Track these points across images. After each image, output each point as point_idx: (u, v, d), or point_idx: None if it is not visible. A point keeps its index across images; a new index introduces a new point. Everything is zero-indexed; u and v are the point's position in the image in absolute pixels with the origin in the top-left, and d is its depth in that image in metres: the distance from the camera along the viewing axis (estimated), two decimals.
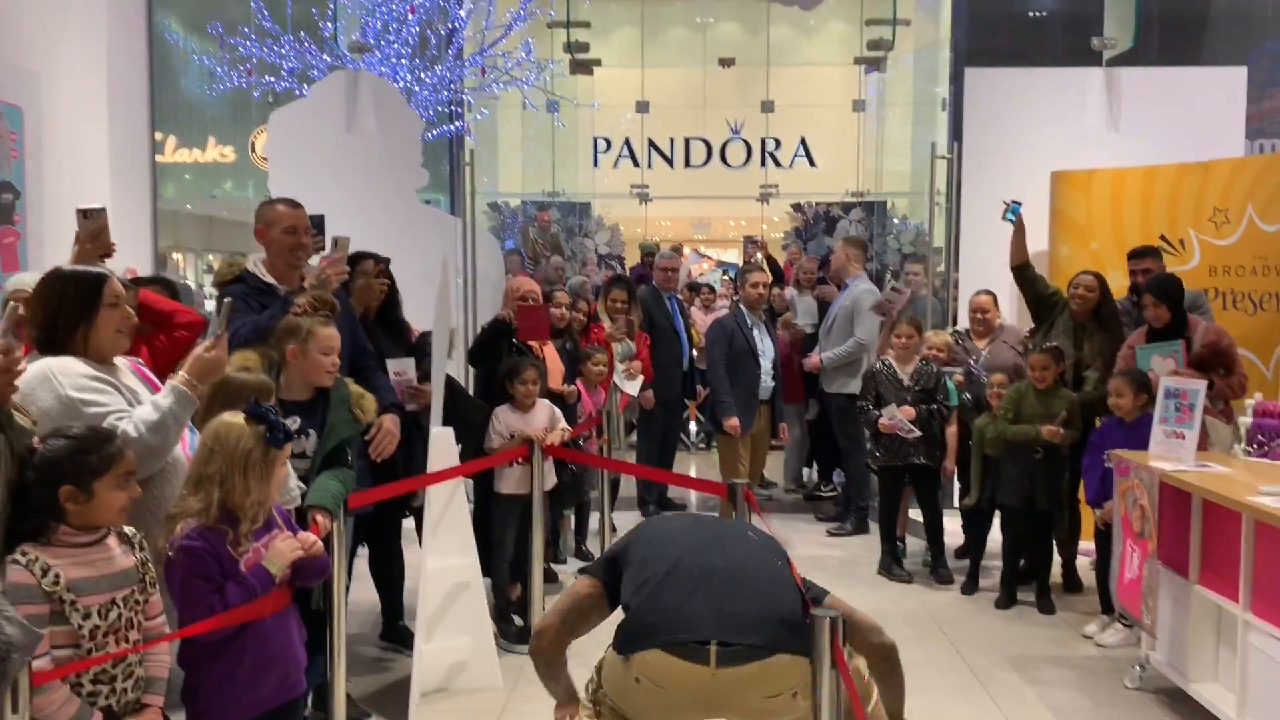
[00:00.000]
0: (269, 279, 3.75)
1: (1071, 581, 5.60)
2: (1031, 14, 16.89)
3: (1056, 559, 5.57)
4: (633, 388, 6.48)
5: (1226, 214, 6.04)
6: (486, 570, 4.67)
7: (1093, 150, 7.00)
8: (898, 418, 5.57)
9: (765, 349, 6.14)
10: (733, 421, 5.89)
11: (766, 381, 6.13)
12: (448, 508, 4.28)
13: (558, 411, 4.93)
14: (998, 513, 5.52)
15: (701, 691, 2.43)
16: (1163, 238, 6.29)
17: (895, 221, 16.20)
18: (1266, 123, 9.85)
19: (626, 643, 2.54)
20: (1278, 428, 4.00)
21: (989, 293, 6.27)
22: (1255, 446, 4.07)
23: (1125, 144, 7.13)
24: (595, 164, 17.20)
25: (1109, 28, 7.65)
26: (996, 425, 5.29)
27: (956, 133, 7.46)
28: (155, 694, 2.41)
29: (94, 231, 3.23)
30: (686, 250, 15.33)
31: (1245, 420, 4.12)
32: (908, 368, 5.80)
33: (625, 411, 6.74)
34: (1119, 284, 6.26)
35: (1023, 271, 5.78)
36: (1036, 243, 6.93)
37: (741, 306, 6.19)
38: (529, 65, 14.99)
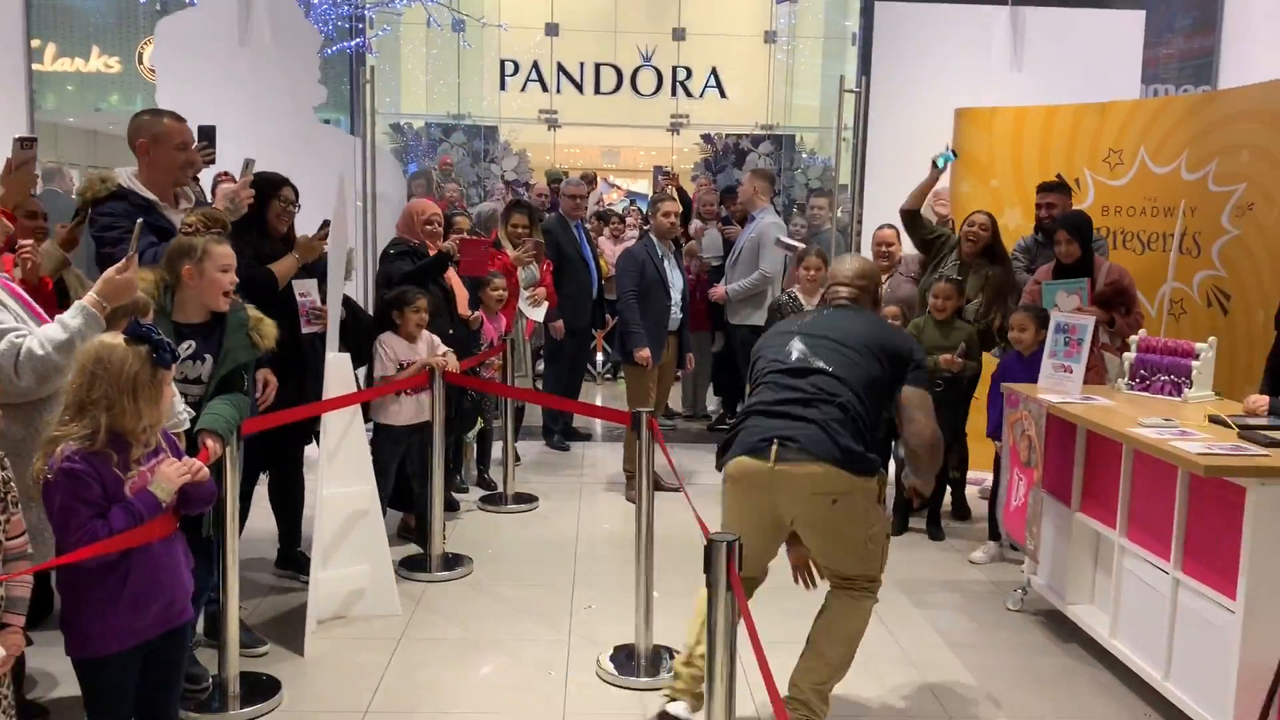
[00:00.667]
0: (148, 194, 3.58)
1: (960, 509, 5.80)
2: None
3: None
4: (538, 314, 6.43)
5: (1120, 155, 6.20)
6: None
7: (997, 89, 7.11)
8: None
9: (675, 280, 6.14)
10: (644, 353, 5.90)
11: (675, 313, 6.14)
12: (345, 434, 4.19)
13: (436, 339, 4.86)
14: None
15: (761, 479, 3.04)
16: (1059, 176, 6.42)
17: (803, 156, 16.28)
18: (1161, 68, 10.10)
19: (720, 456, 3.24)
20: (1159, 362, 4.16)
21: (892, 226, 6.35)
22: (1137, 381, 4.23)
23: (1028, 83, 7.25)
24: (502, 87, 16.81)
25: None
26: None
27: (865, 67, 7.47)
28: (16, 614, 2.33)
29: (23, 161, 3.18)
30: (600, 180, 15.15)
31: (1129, 355, 4.27)
32: (814, 300, 5.86)
33: (532, 338, 6.69)
34: (1017, 222, 6.42)
35: (913, 218, 5.85)
36: (940, 179, 7.06)
37: (652, 236, 6.15)
38: None
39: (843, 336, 3.19)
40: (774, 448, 3.01)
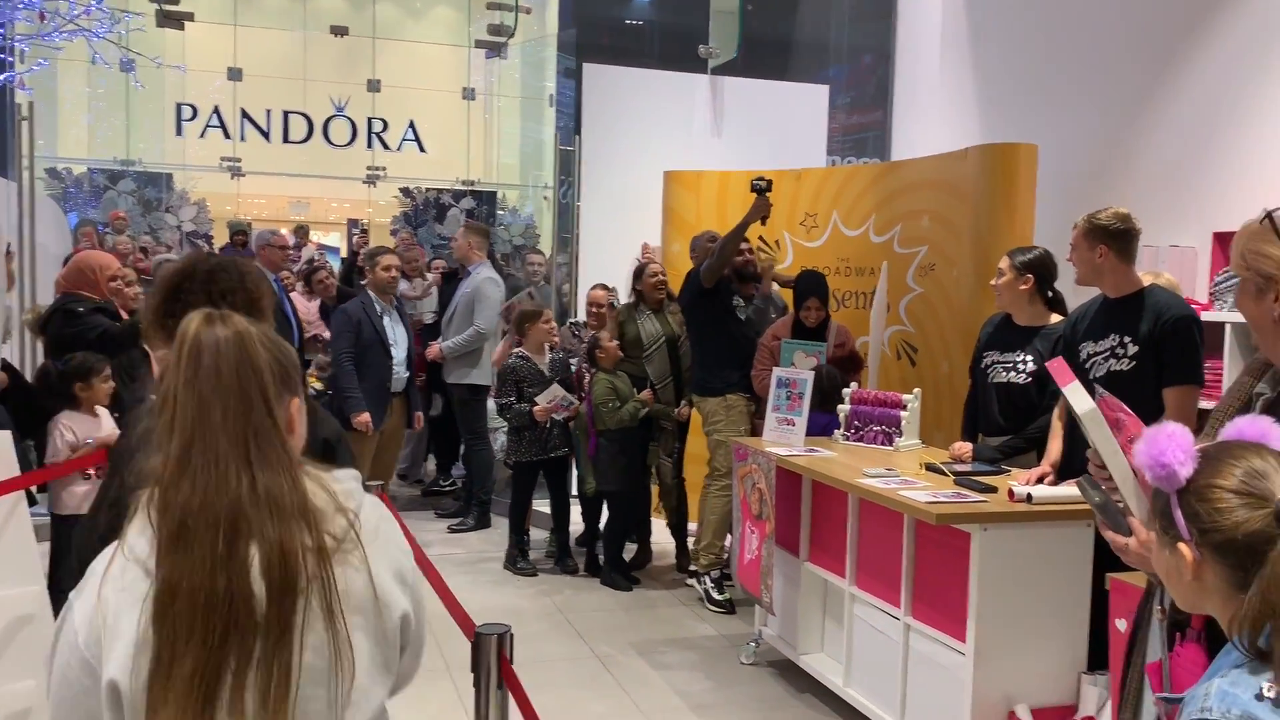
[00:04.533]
0: None
1: (684, 561, 5.85)
2: (636, 22, 17.72)
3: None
4: None
5: (815, 218, 6.60)
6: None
7: (700, 153, 7.39)
8: (558, 397, 5.54)
9: (397, 338, 5.81)
10: (363, 417, 5.51)
11: (400, 372, 5.80)
12: (5, 526, 3.54)
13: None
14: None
15: None
16: (761, 239, 6.74)
17: (504, 213, 16.28)
18: (834, 141, 10.98)
19: None
20: (870, 413, 4.38)
21: (605, 287, 6.38)
22: (852, 431, 4.43)
23: (727, 149, 7.59)
24: (179, 132, 15.63)
25: (714, 38, 8.10)
26: (604, 413, 5.41)
27: (577, 126, 7.54)
28: None
29: None
30: (314, 236, 14.32)
31: (844, 408, 4.47)
32: (544, 359, 5.75)
33: None
34: None
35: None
36: (651, 238, 7.22)
37: (370, 292, 5.80)
38: (99, 15, 13.22)
39: None
40: None
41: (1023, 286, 4.00)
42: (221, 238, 13.71)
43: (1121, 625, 2.56)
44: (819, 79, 8.31)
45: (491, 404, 6.54)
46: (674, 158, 7.17)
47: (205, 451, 1.28)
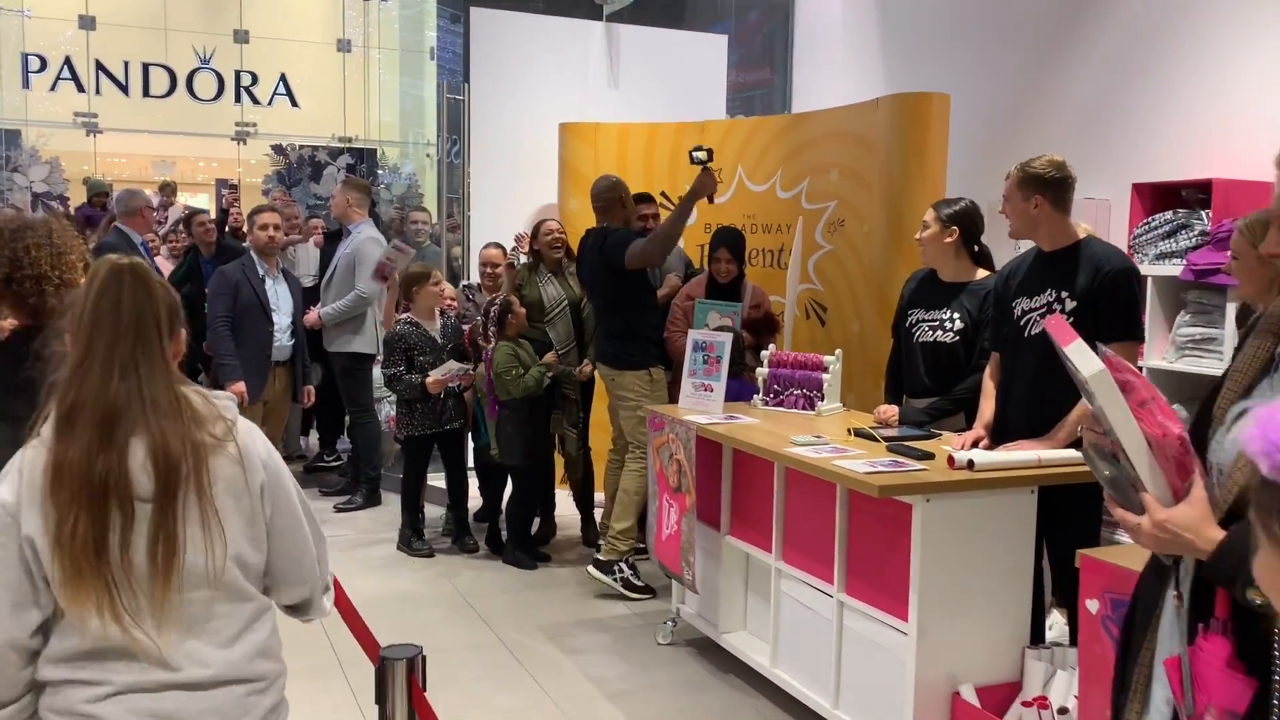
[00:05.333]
0: None
1: (591, 534, 5.56)
2: None
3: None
4: None
5: (719, 174, 6.30)
6: None
7: (596, 104, 7.02)
8: (454, 370, 5.15)
9: (281, 303, 5.33)
10: (238, 387, 5.03)
11: (283, 340, 5.33)
12: None
13: None
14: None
15: None
16: (663, 194, 6.44)
17: (384, 171, 15.57)
18: (733, 96, 10.68)
19: None
20: (790, 376, 4.14)
21: (498, 245, 6.00)
22: (771, 396, 4.18)
23: (624, 100, 7.24)
24: (26, 85, 14.41)
25: None
26: (507, 382, 5.05)
27: (466, 75, 7.08)
28: None
29: None
30: (181, 198, 13.36)
31: (763, 371, 4.22)
32: (435, 324, 5.35)
33: None
34: None
35: None
36: (547, 194, 6.84)
37: (253, 254, 5.30)
38: None
39: None
40: None
41: (948, 240, 3.79)
42: (78, 198, 12.73)
43: (1094, 606, 2.37)
44: (717, 29, 7.98)
45: (378, 373, 6.11)
46: (569, 109, 6.79)
47: (100, 361, 1.60)
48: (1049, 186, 3.28)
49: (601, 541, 4.90)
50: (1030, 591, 3.12)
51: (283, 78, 15.55)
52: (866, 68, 6.80)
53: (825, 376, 4.06)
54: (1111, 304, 3.18)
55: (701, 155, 4.74)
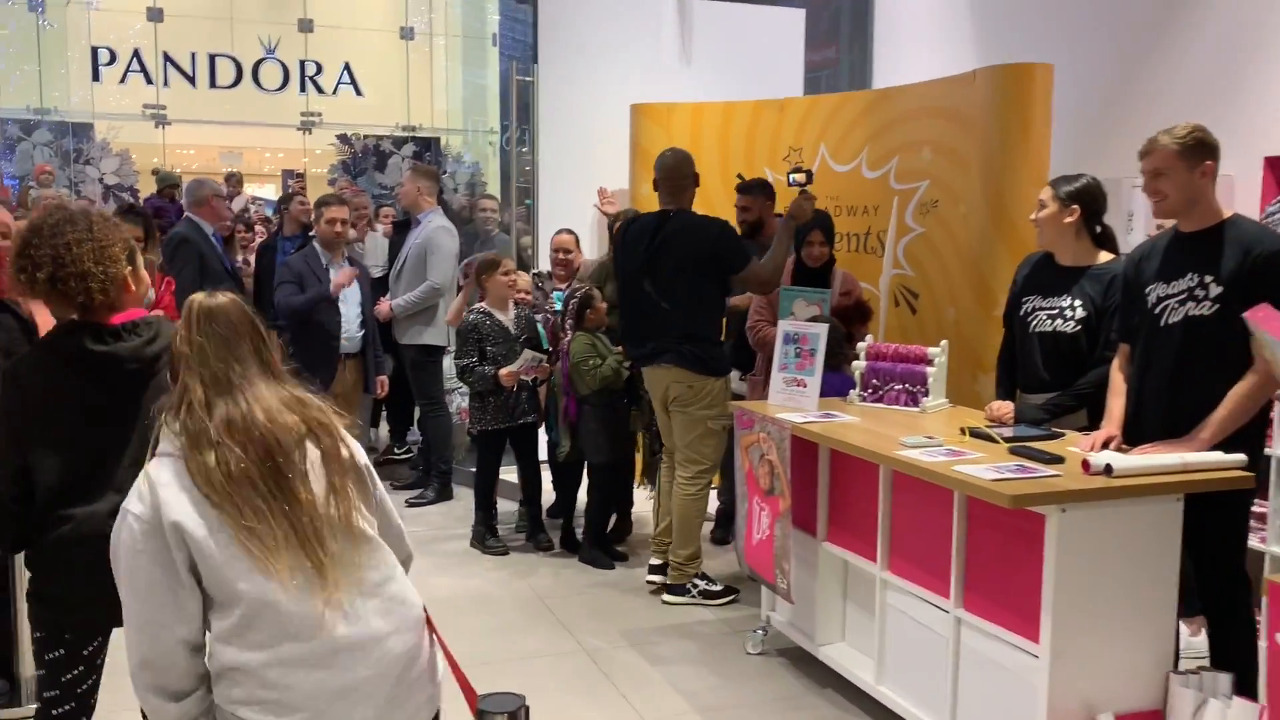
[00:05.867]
0: None
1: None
2: None
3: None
4: None
5: (800, 153, 6.02)
6: None
7: (668, 84, 6.75)
8: (529, 360, 4.93)
9: (348, 293, 5.19)
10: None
11: (352, 331, 5.18)
12: None
13: None
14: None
15: None
16: (740, 176, 6.16)
17: (449, 159, 15.47)
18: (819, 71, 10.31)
19: None
20: (891, 370, 3.85)
21: (570, 231, 5.77)
22: (870, 391, 3.90)
23: (698, 79, 6.96)
24: (96, 78, 14.53)
25: None
26: (584, 372, 4.83)
27: (534, 58, 6.86)
28: None
29: None
30: (248, 189, 13.41)
31: (859, 365, 3.93)
32: (509, 314, 5.14)
33: None
34: None
35: None
36: (617, 178, 6.60)
37: (316, 246, 5.15)
38: None
39: None
40: None
41: (1068, 220, 3.47)
42: (148, 190, 12.81)
43: None
44: (793, 2, 7.66)
45: (448, 365, 5.93)
46: (641, 90, 6.53)
47: (233, 376, 1.82)
48: (1213, 153, 2.98)
49: (652, 556, 4.68)
50: (1175, 610, 2.81)
51: (347, 67, 15.51)
52: (957, 39, 6.44)
53: (930, 370, 3.77)
54: (1266, 290, 2.85)
55: (800, 178, 4.46)
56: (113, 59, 14.55)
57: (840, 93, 6.71)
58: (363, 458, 1.95)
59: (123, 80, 14.62)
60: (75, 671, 2.27)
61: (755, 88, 6.53)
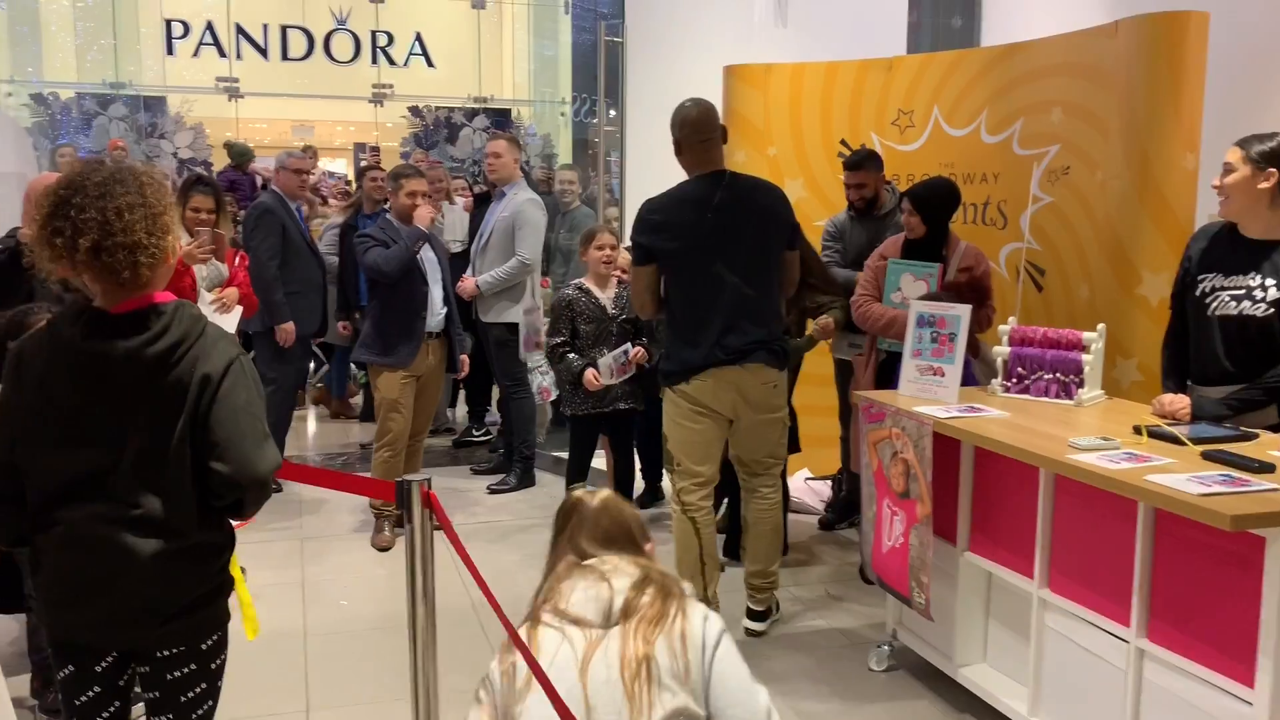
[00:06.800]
0: None
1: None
2: None
3: None
4: (227, 323, 4.90)
5: (911, 116, 5.55)
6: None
7: (762, 45, 6.32)
8: (614, 363, 4.55)
9: (430, 269, 4.88)
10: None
11: (436, 308, 4.88)
12: None
13: None
14: None
15: None
16: (843, 142, 5.72)
17: (520, 130, 15.15)
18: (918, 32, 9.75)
19: None
20: (1039, 358, 3.42)
21: None
22: (1014, 381, 3.47)
23: (792, 39, 6.52)
24: (170, 51, 14.48)
25: None
26: None
27: (620, 13, 6.47)
28: None
29: None
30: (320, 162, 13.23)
31: (1002, 350, 3.50)
32: (608, 292, 4.78)
33: None
34: (799, 194, 5.64)
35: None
36: None
37: (390, 219, 4.85)
38: None
39: None
40: None
41: (1263, 185, 3.00)
42: (221, 163, 12.71)
43: None
44: None
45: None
46: (732, 52, 6.11)
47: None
48: None
49: (749, 600, 3.95)
50: None
51: (418, 37, 15.26)
52: None
53: (1085, 358, 3.33)
54: None
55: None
56: (186, 32, 14.48)
57: (954, 50, 6.19)
58: None
59: (196, 53, 14.54)
60: (91, 693, 1.96)
61: (854, 47, 6.08)
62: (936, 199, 4.16)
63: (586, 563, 1.87)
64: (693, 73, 6.26)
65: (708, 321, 3.61)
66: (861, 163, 4.83)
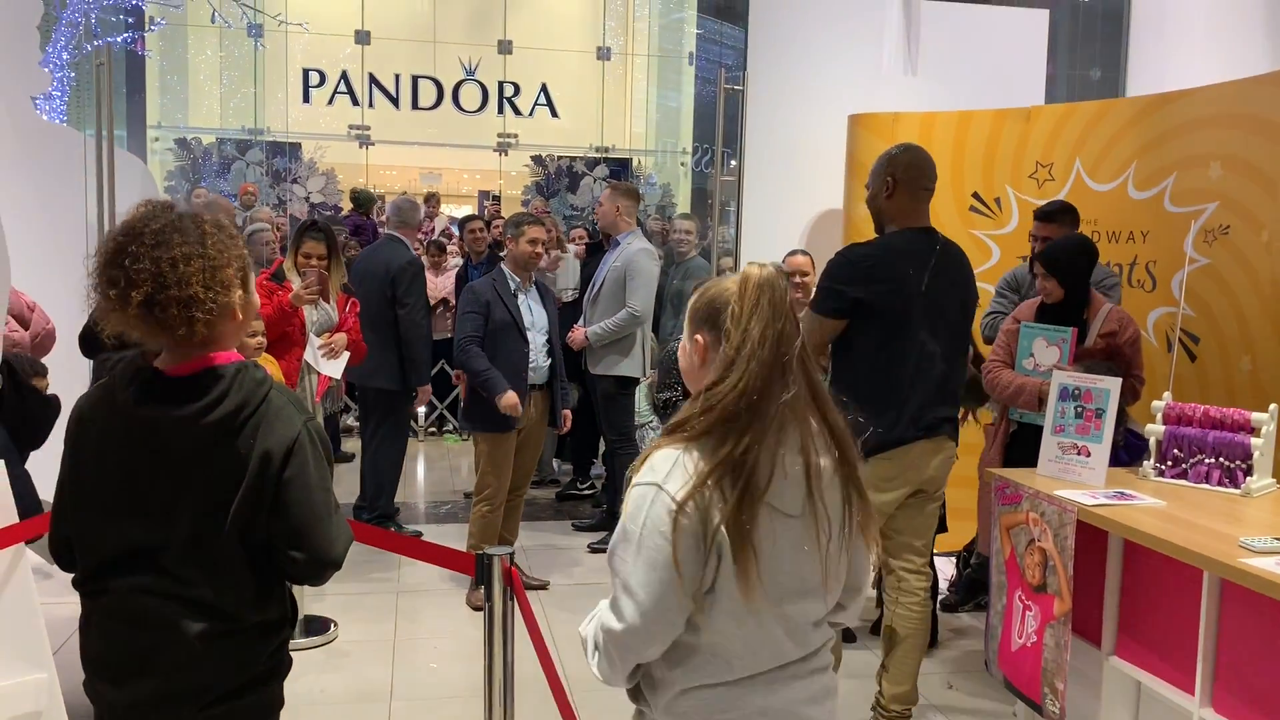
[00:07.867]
0: None
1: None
2: None
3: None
4: (334, 369, 4.85)
5: (1050, 170, 5.21)
6: None
7: (889, 94, 6.05)
8: None
9: (536, 320, 4.72)
10: (509, 398, 4.43)
11: (539, 361, 4.70)
12: (1, 589, 2.58)
13: None
14: None
15: None
16: (976, 195, 5.41)
17: (640, 180, 15.15)
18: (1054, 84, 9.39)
19: None
20: (1200, 439, 3.04)
21: (805, 253, 5.14)
22: (1170, 464, 3.10)
23: (922, 88, 6.23)
24: (306, 99, 14.99)
25: None
26: None
27: (742, 63, 6.31)
28: None
29: None
30: (445, 209, 13.51)
31: (1156, 429, 3.14)
32: None
33: (325, 400, 5.07)
34: None
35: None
36: (832, 197, 5.95)
37: (505, 268, 4.72)
38: None
39: None
40: None
41: None
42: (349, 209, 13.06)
43: None
44: (1037, 2, 6.82)
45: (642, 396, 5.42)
46: (858, 100, 5.88)
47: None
48: None
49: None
50: None
51: (544, 88, 15.44)
52: (1246, 37, 5.47)
53: (1255, 441, 2.94)
54: None
55: None
56: (322, 81, 14.98)
57: (1099, 100, 5.82)
58: None
59: (330, 101, 15.02)
60: None
61: (985, 98, 5.77)
62: (1066, 259, 3.77)
63: None
64: (816, 122, 6.07)
65: (903, 392, 3.18)
66: (1054, 215, 4.42)
